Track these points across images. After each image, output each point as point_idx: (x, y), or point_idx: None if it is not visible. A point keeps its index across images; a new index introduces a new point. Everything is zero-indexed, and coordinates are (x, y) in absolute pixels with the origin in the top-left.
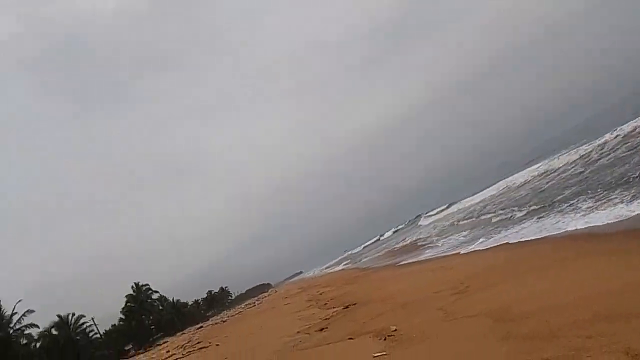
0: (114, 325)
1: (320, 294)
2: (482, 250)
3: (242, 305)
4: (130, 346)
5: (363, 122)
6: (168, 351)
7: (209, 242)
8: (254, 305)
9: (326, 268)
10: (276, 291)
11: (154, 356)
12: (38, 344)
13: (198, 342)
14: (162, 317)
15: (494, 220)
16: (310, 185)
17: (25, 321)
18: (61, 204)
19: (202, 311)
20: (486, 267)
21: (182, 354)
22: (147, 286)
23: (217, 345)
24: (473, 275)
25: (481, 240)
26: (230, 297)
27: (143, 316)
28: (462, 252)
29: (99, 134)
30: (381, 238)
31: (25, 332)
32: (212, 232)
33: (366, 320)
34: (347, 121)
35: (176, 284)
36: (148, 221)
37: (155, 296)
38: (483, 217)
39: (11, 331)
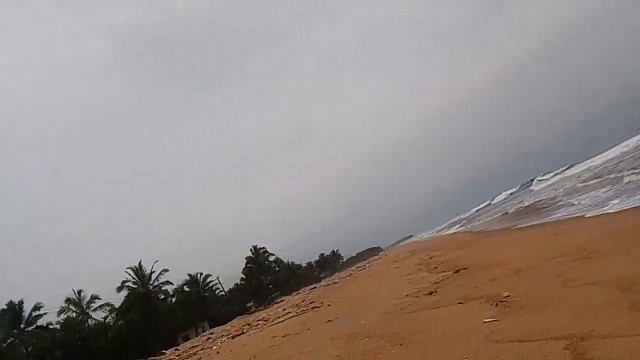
0: (236, 284)
1: (430, 257)
2: (612, 213)
3: (353, 268)
4: (252, 303)
5: (467, 82)
6: (284, 309)
7: (320, 208)
8: (364, 268)
9: (437, 232)
10: (386, 254)
11: (271, 313)
12: (173, 299)
13: (311, 302)
14: (278, 278)
15: (626, 180)
16: (419, 150)
17: (161, 279)
18: (182, 180)
19: (315, 273)
20: (615, 231)
21: (297, 313)
22: (264, 249)
23: (329, 305)
24: (598, 240)
25: (612, 202)
26: (341, 260)
27: (261, 276)
28: (587, 215)
29: (213, 114)
30: (492, 202)
31: (162, 288)
32: (323, 200)
33: (477, 285)
34: (451, 84)
35: (291, 248)
36: (261, 192)
37: (271, 258)
38: (612, 176)
39: (151, 287)
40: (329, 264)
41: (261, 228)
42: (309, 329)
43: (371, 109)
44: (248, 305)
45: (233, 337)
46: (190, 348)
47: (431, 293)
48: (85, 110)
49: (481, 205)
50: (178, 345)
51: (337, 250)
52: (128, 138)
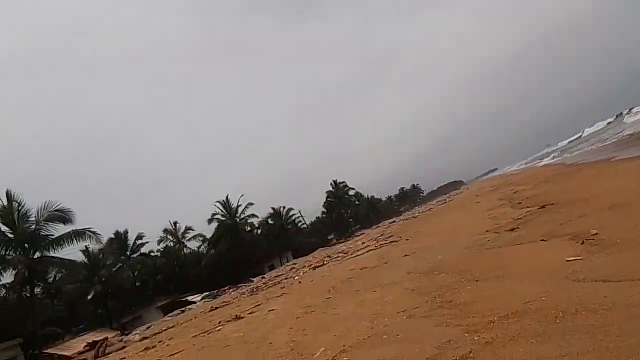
0: (318, 217)
1: (515, 192)
2: None
3: (433, 202)
4: (332, 235)
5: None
6: (363, 242)
7: (402, 143)
8: (444, 202)
9: (524, 164)
10: (468, 189)
11: (351, 246)
12: (258, 231)
13: (390, 236)
14: (358, 211)
15: None
16: (506, 78)
17: (247, 212)
18: (268, 114)
19: (395, 207)
20: None
21: (375, 246)
22: (344, 183)
23: (407, 240)
24: None
25: None
26: (421, 194)
27: (342, 210)
28: None
29: (306, 42)
30: (584, 134)
31: (248, 220)
32: (406, 135)
33: (563, 221)
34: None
35: (372, 183)
36: (346, 125)
37: (351, 192)
38: None
39: (237, 220)
40: (409, 198)
41: (343, 163)
42: (386, 262)
43: (458, 38)
44: (329, 237)
45: (314, 268)
46: (275, 277)
47: (513, 229)
48: (181, 44)
49: (573, 137)
50: (264, 274)
51: (418, 184)
52: (223, 67)
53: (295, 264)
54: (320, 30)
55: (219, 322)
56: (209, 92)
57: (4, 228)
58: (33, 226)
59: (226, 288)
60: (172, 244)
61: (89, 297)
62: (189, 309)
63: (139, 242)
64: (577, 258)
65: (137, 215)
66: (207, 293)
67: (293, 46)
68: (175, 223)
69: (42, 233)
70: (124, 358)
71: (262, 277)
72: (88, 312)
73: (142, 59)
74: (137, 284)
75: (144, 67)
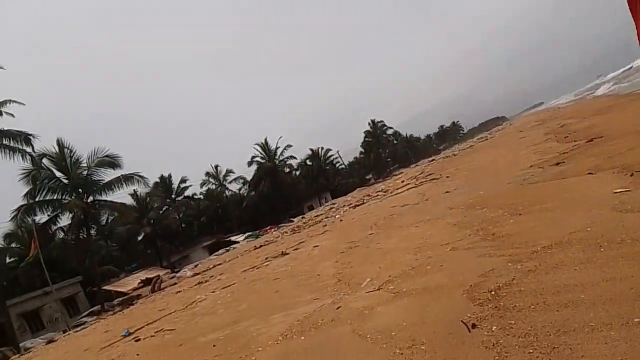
0: (355, 158)
1: (561, 126)
2: None
3: (474, 139)
4: (370, 175)
5: None
6: (402, 181)
7: (443, 80)
8: (486, 139)
9: (573, 98)
10: (511, 124)
11: (390, 185)
12: (297, 172)
13: (429, 174)
14: (396, 151)
15: None
16: (553, 8)
17: (286, 154)
18: (308, 55)
19: (434, 145)
20: None
21: (415, 184)
22: (382, 122)
23: (448, 177)
24: None
25: None
26: (461, 132)
27: (380, 149)
28: None
29: None
30: (635, 64)
31: (287, 162)
32: (447, 70)
33: (612, 154)
34: None
35: (411, 120)
36: (385, 62)
37: (389, 132)
38: None
39: (277, 162)
40: (449, 135)
41: (381, 103)
42: (427, 199)
43: None
44: (367, 177)
45: (354, 206)
46: (315, 216)
47: (558, 164)
48: None
49: (624, 68)
50: (303, 214)
51: (458, 122)
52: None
53: (334, 203)
54: None
55: (266, 259)
56: (257, 38)
57: (58, 174)
58: (85, 172)
59: (267, 228)
60: (214, 186)
61: (139, 238)
62: (234, 247)
63: (183, 185)
64: (625, 190)
65: (181, 160)
66: (249, 233)
67: None
68: (216, 166)
69: (93, 178)
70: (180, 291)
71: (302, 217)
72: (139, 252)
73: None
74: (182, 226)
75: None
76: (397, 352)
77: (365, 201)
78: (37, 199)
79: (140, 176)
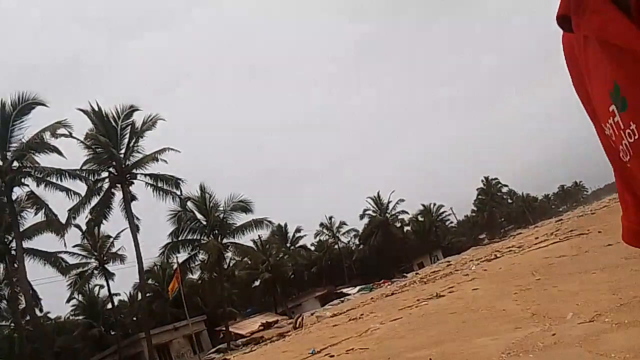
0: (466, 216)
1: None
2: None
3: (605, 200)
4: (484, 235)
5: None
6: (537, 237)
7: (562, 123)
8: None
9: None
10: None
11: (521, 241)
12: (408, 227)
13: (571, 231)
14: (511, 210)
15: None
16: None
17: (398, 208)
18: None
19: (552, 206)
20: None
21: (560, 239)
22: (497, 180)
23: (599, 232)
24: None
25: None
26: (585, 193)
27: (494, 208)
28: None
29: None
30: None
31: (399, 217)
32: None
33: None
34: None
35: (525, 175)
36: (495, 111)
37: (504, 190)
38: None
39: (388, 216)
40: (570, 196)
41: (492, 157)
42: (587, 251)
43: None
44: (480, 237)
45: (488, 260)
46: (431, 272)
47: None
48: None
49: None
50: (413, 270)
51: (581, 182)
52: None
53: (449, 261)
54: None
55: (418, 300)
56: (358, 90)
57: (199, 216)
58: (222, 215)
59: (381, 282)
60: (326, 237)
61: (257, 283)
62: (348, 299)
63: (298, 234)
64: None
65: (295, 210)
66: (363, 285)
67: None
68: (330, 218)
69: (228, 221)
70: (336, 325)
71: (416, 273)
72: (255, 297)
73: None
74: (292, 275)
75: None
76: None
77: (497, 256)
78: (179, 238)
79: (269, 221)
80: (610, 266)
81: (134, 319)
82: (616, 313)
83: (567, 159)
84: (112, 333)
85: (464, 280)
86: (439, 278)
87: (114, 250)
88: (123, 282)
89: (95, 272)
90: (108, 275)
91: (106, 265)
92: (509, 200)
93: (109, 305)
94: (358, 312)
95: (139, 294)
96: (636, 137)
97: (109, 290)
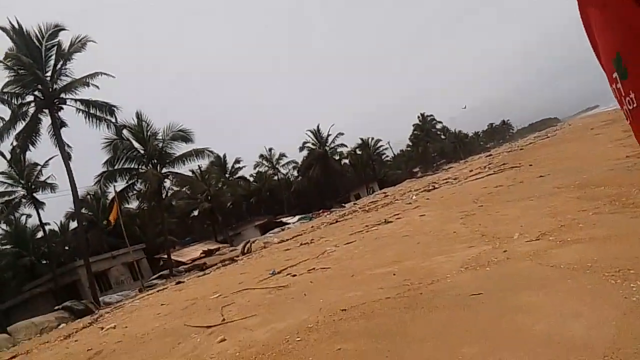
0: (402, 150)
1: None
2: None
3: (531, 137)
4: (417, 169)
5: None
6: (471, 170)
7: (496, 78)
8: (546, 137)
9: None
10: (569, 125)
11: (456, 174)
12: (346, 160)
13: (503, 164)
14: (444, 146)
15: None
16: None
17: (337, 142)
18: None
19: (481, 143)
20: None
21: (494, 171)
22: (432, 117)
23: (530, 165)
24: None
25: None
26: (511, 131)
27: (428, 143)
28: None
29: None
30: None
31: (337, 150)
32: (499, 67)
33: None
34: None
35: (457, 117)
36: (438, 59)
37: (438, 126)
38: None
39: (328, 149)
40: (498, 134)
41: (431, 97)
42: (521, 182)
43: None
44: (414, 170)
45: (427, 191)
46: (370, 202)
47: None
48: None
49: None
50: (350, 201)
51: (508, 120)
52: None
53: (385, 192)
54: None
55: (366, 226)
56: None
57: (136, 145)
58: (160, 144)
59: (320, 211)
60: (265, 169)
61: (195, 213)
62: (288, 227)
63: (237, 165)
64: None
65: (236, 142)
66: (302, 215)
67: None
68: (270, 149)
69: (167, 151)
70: (288, 249)
71: (354, 204)
72: (194, 226)
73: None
74: (230, 205)
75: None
76: (607, 275)
77: (435, 187)
78: (115, 167)
79: (210, 151)
80: (545, 194)
81: (66, 248)
82: (558, 233)
83: (496, 104)
84: (44, 262)
85: (408, 209)
86: (380, 207)
87: (42, 178)
88: (52, 212)
89: (23, 200)
90: (37, 204)
91: (35, 194)
92: (442, 137)
93: (39, 235)
94: (307, 238)
95: (70, 223)
96: (635, 105)
97: (39, 219)
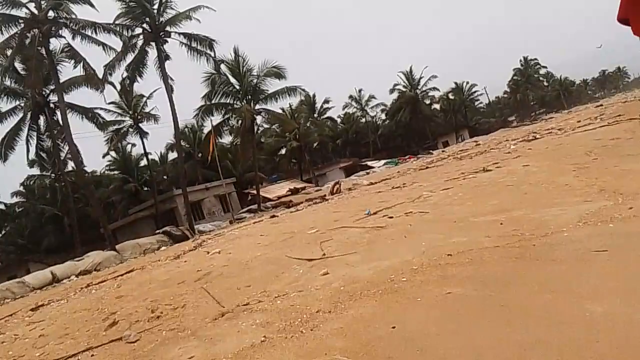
0: (498, 97)
1: None
2: None
3: None
4: (513, 118)
5: None
6: (578, 121)
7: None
8: None
9: None
10: None
11: (561, 124)
12: (437, 105)
13: (619, 115)
14: (546, 94)
15: None
16: None
17: (429, 85)
18: None
19: (589, 92)
20: None
21: (608, 123)
22: (536, 60)
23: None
24: None
25: None
26: (626, 79)
27: (528, 90)
28: None
29: None
30: None
31: (429, 94)
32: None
33: None
34: None
35: (567, 62)
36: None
37: (542, 71)
38: None
39: (419, 92)
40: (610, 83)
41: (538, 38)
42: None
43: None
44: (509, 119)
45: (527, 141)
46: (460, 150)
47: None
48: None
49: None
50: (438, 148)
51: (624, 67)
52: None
53: (477, 141)
54: None
55: (462, 173)
56: None
57: (232, 80)
58: (255, 80)
59: (406, 157)
60: (354, 110)
61: (283, 151)
62: (373, 172)
63: (326, 105)
64: None
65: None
66: (388, 160)
67: None
68: (360, 90)
69: (261, 87)
70: (380, 192)
71: (442, 151)
72: (283, 164)
73: None
74: (317, 145)
75: None
76: None
77: (537, 137)
78: (212, 102)
79: (302, 89)
80: None
81: (165, 177)
82: None
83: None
84: (146, 189)
85: (508, 158)
86: (474, 155)
87: (147, 110)
88: (152, 143)
89: (130, 130)
90: (142, 134)
91: (140, 125)
92: (545, 83)
93: (142, 163)
94: (399, 182)
95: (169, 154)
96: None
97: (144, 148)
